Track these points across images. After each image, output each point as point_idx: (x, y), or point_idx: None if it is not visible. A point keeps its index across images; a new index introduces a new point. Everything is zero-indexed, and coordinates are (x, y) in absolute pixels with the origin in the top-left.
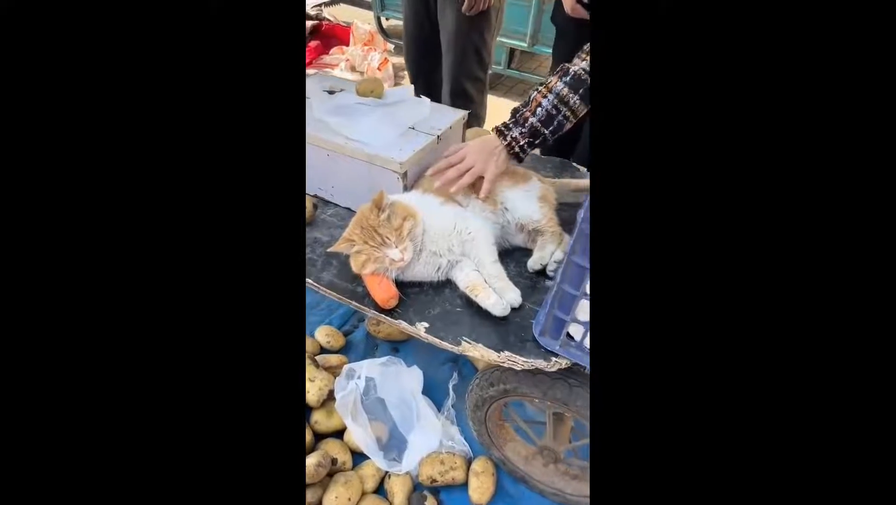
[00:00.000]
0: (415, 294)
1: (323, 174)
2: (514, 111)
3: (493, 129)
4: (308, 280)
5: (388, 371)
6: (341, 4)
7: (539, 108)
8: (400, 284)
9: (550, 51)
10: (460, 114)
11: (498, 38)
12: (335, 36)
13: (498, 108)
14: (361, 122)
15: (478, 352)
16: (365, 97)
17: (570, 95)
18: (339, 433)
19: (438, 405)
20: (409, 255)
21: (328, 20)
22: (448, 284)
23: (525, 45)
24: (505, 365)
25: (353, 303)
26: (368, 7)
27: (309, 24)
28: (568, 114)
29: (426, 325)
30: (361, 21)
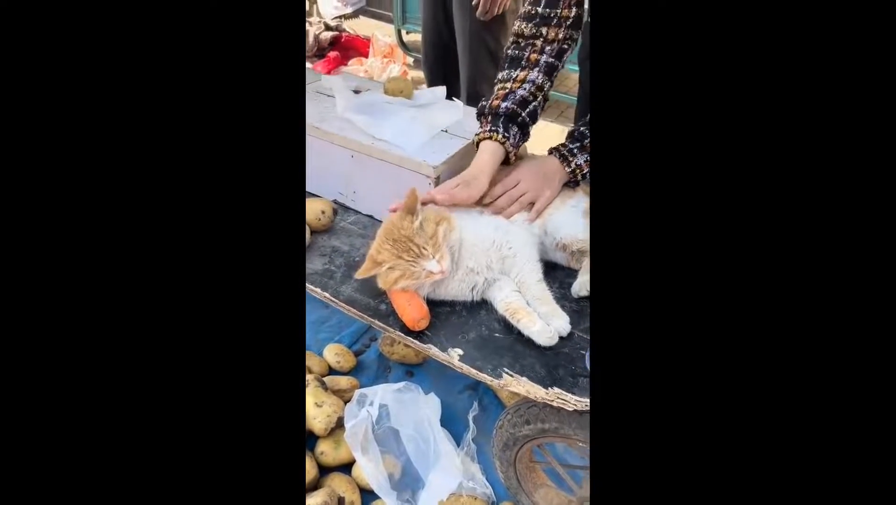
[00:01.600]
0: (446, 314)
1: (345, 177)
2: (576, 134)
3: (550, 152)
4: (325, 294)
5: (403, 398)
6: (361, 18)
7: None
8: (429, 303)
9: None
10: None
11: None
12: (354, 48)
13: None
14: (390, 122)
15: (522, 387)
16: (394, 97)
17: None
18: (346, 467)
19: (457, 438)
20: (447, 264)
21: (347, 32)
22: (483, 304)
23: None
24: (554, 404)
25: (377, 322)
26: (389, 20)
27: (328, 34)
28: None
29: (460, 352)
30: (382, 34)
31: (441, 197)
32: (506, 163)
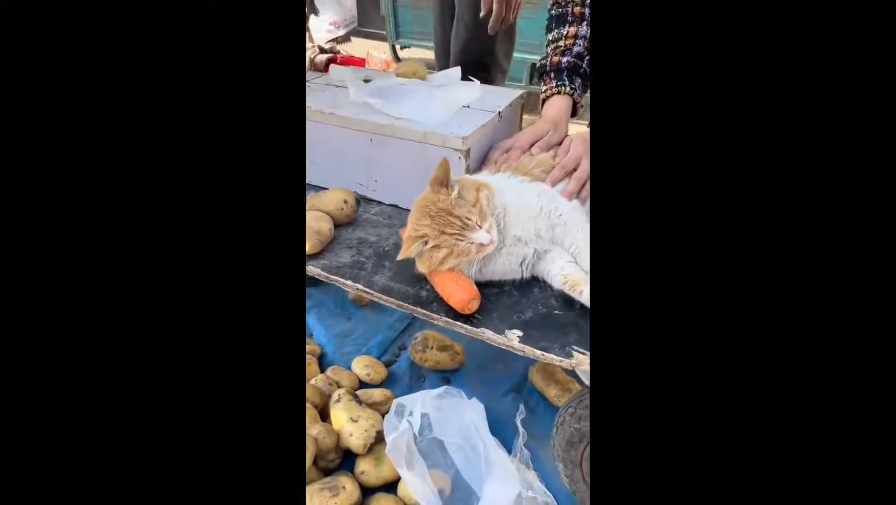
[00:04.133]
0: (495, 296)
1: (364, 165)
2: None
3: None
4: (357, 285)
5: (445, 405)
6: (354, 40)
7: None
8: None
9: None
10: (517, 93)
11: (517, 54)
12: (350, 66)
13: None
14: (408, 101)
15: None
16: (407, 79)
17: None
18: (391, 486)
19: (506, 445)
20: (496, 234)
21: (342, 54)
22: (535, 282)
23: None
24: None
25: (419, 310)
26: (383, 38)
27: (324, 56)
28: None
29: (519, 333)
30: (376, 51)
31: (537, 145)
32: (572, 115)
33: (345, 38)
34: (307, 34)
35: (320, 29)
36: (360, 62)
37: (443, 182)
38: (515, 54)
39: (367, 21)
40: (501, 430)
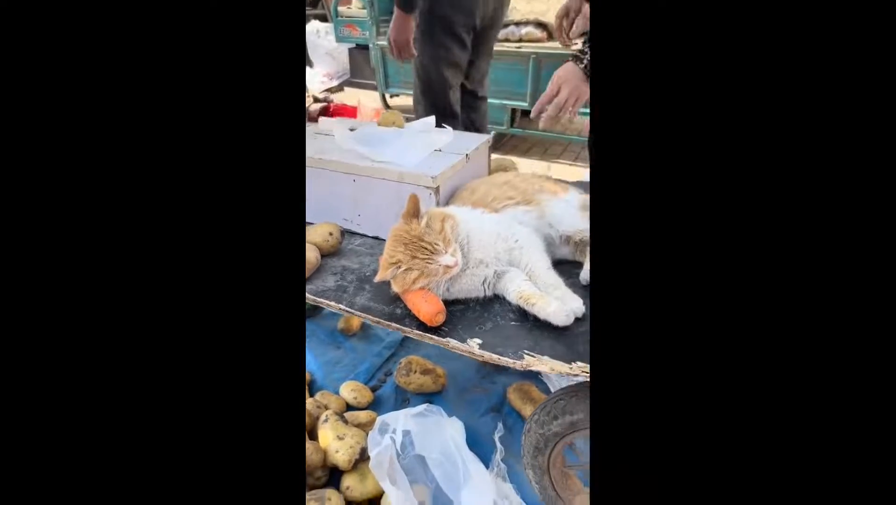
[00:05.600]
0: (461, 311)
1: (348, 202)
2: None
3: (569, 59)
4: (340, 305)
5: (426, 422)
6: (346, 90)
7: None
8: (444, 304)
9: None
10: (485, 137)
11: (498, 100)
12: (343, 114)
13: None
14: (388, 147)
15: (545, 365)
16: (388, 127)
17: None
18: (375, 501)
19: (484, 461)
20: (460, 257)
21: (335, 103)
22: (496, 299)
23: (526, 104)
24: (578, 378)
25: (394, 325)
26: (373, 87)
27: (317, 106)
28: None
29: (479, 341)
30: (367, 99)
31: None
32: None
33: (338, 88)
34: None
35: (314, 80)
36: (352, 110)
37: (413, 214)
38: (496, 100)
39: (358, 72)
40: (481, 446)
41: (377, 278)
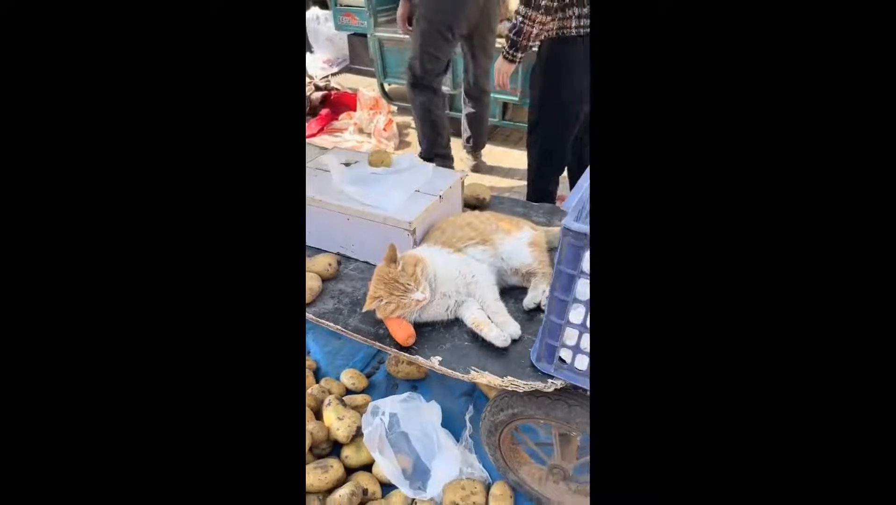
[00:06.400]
0: (428, 332)
1: (344, 235)
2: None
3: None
4: (337, 326)
5: (409, 406)
6: (345, 74)
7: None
8: (416, 325)
9: None
10: (458, 176)
11: (492, 94)
12: (343, 103)
13: (497, 157)
14: (375, 190)
15: (484, 379)
16: (377, 167)
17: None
18: (367, 467)
19: (457, 436)
20: (429, 293)
21: (336, 89)
22: (456, 322)
23: (516, 98)
24: (509, 388)
25: (377, 343)
26: (372, 74)
27: (319, 94)
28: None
29: (440, 358)
30: (365, 87)
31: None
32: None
33: (338, 72)
34: None
35: (315, 66)
36: (351, 98)
37: (392, 259)
38: (493, 94)
39: (357, 59)
40: (455, 424)
41: (364, 308)
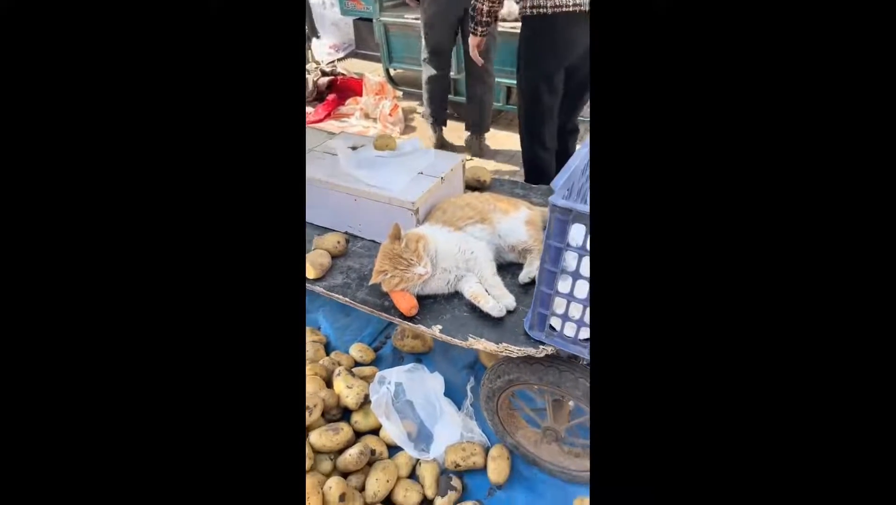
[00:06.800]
0: (430, 304)
1: (352, 215)
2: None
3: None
4: (346, 299)
5: (413, 376)
6: (351, 59)
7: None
8: (419, 297)
9: None
10: (459, 159)
11: (496, 79)
12: (349, 88)
13: (500, 140)
14: (380, 172)
15: (481, 345)
16: (382, 151)
17: None
18: (375, 431)
19: (458, 405)
20: (430, 267)
21: (342, 74)
22: (456, 295)
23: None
24: (504, 354)
25: (383, 314)
26: (377, 59)
27: (325, 80)
28: None
29: (440, 326)
30: (370, 73)
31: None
32: None
33: (344, 57)
34: (309, 53)
35: (321, 51)
36: (357, 83)
37: (396, 236)
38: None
39: (363, 44)
40: (457, 394)
41: (371, 282)
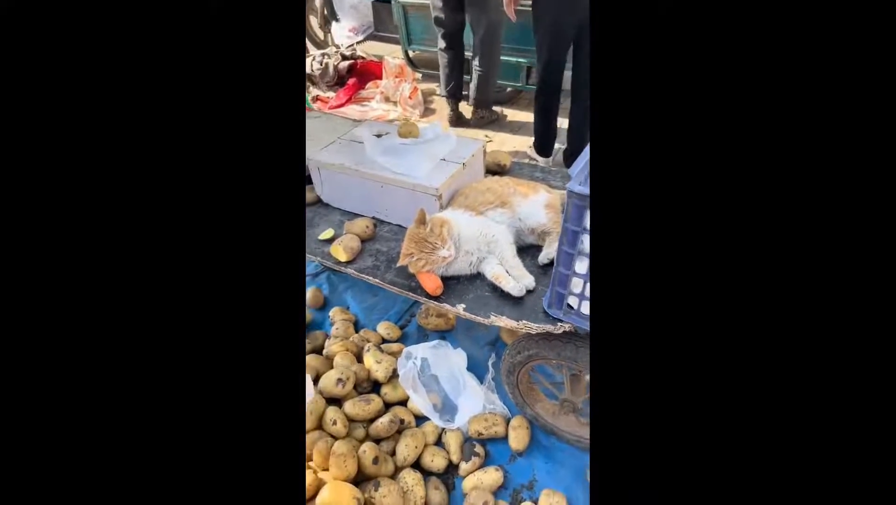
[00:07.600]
0: (454, 284)
1: (378, 201)
2: None
3: None
4: (376, 280)
5: (438, 352)
6: (370, 42)
7: None
8: (443, 278)
9: None
10: (479, 144)
11: (514, 58)
12: (369, 72)
13: (518, 121)
14: (405, 159)
15: (502, 322)
16: (405, 138)
17: None
18: (403, 403)
19: (481, 379)
20: (454, 250)
21: (362, 57)
22: (479, 276)
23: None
24: (523, 331)
25: (410, 294)
26: (396, 42)
27: (345, 64)
28: None
29: (464, 305)
30: (390, 55)
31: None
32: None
33: (363, 39)
34: (329, 37)
35: (340, 35)
36: (377, 66)
37: (421, 221)
38: (512, 58)
39: (382, 26)
40: (480, 369)
41: (398, 264)
